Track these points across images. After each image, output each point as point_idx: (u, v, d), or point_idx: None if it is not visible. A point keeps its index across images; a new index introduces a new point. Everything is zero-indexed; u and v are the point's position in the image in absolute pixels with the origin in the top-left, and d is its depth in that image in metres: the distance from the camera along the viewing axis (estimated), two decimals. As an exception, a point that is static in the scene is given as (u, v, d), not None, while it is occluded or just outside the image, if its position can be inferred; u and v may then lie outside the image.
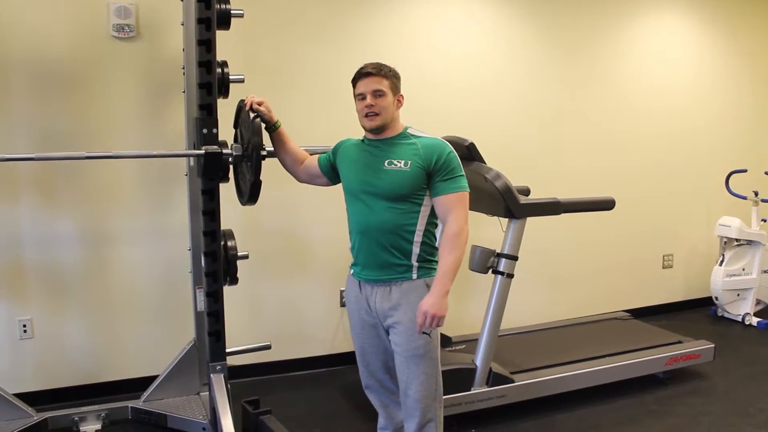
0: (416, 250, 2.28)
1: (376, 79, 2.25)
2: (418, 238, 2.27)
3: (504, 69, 4.37)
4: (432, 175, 2.24)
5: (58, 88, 3.29)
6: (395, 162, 2.25)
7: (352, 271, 2.43)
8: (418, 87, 4.03)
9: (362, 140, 2.40)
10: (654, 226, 5.12)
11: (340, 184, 2.45)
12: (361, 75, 2.28)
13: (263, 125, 2.45)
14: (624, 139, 4.88)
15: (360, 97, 2.29)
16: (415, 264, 2.28)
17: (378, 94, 2.24)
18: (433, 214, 2.30)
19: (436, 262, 2.30)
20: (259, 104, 2.47)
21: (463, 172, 2.28)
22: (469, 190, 2.28)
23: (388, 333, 2.36)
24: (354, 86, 2.31)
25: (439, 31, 4.11)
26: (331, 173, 2.49)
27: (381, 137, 2.31)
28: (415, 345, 2.27)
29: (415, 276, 2.29)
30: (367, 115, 2.26)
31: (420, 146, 2.26)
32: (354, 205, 2.35)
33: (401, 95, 2.35)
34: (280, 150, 2.55)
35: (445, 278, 2.20)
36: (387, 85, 2.26)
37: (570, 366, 3.52)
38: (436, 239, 2.34)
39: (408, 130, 2.34)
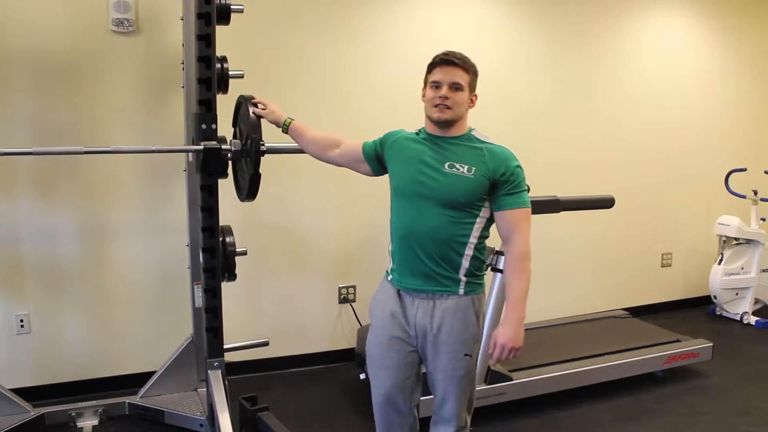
0: (465, 263, 2.08)
1: (458, 71, 2.07)
2: (469, 251, 2.08)
3: (504, 66, 4.35)
4: (496, 186, 2.05)
5: (57, 82, 3.28)
6: (458, 166, 2.05)
7: (390, 277, 2.22)
8: (419, 83, 4.02)
9: (417, 133, 2.21)
10: (653, 225, 5.12)
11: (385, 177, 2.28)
12: (442, 62, 2.08)
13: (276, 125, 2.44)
14: (624, 137, 4.87)
15: (434, 84, 2.09)
16: (463, 278, 2.09)
17: (456, 87, 2.06)
18: (486, 227, 2.12)
19: (482, 279, 2.17)
20: (263, 108, 2.46)
21: (527, 188, 2.13)
22: (530, 207, 2.10)
23: (420, 351, 2.17)
24: (429, 71, 2.13)
25: (440, 27, 4.10)
26: (375, 163, 2.29)
27: (444, 134, 2.11)
28: (455, 366, 2.12)
29: (461, 291, 2.10)
30: (437, 106, 2.07)
31: (487, 153, 2.07)
32: (402, 205, 2.14)
33: (475, 95, 2.17)
34: (300, 143, 2.46)
35: (519, 305, 2.03)
36: (467, 80, 2.09)
37: (568, 364, 3.52)
38: (484, 251, 2.16)
39: (473, 132, 2.15)
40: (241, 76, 2.85)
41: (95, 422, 3.17)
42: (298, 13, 3.74)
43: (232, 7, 2.75)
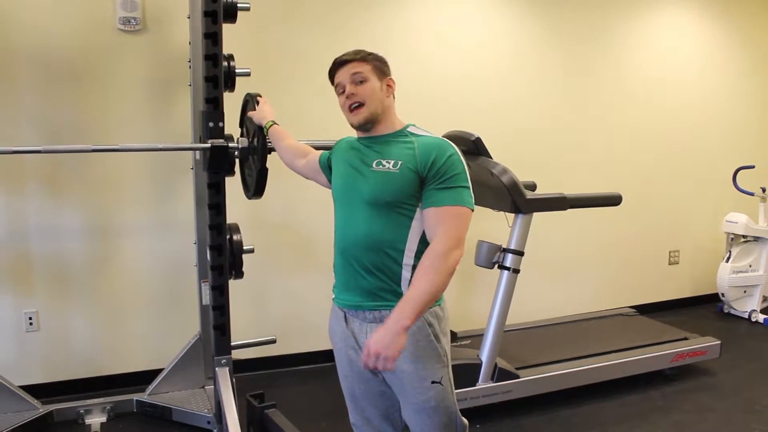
0: (406, 274, 1.82)
1: (353, 65, 1.88)
2: (408, 259, 1.81)
3: (511, 63, 4.34)
4: (425, 180, 1.78)
5: (65, 81, 3.29)
6: (384, 162, 1.83)
7: (333, 296, 2.01)
8: (425, 81, 4.02)
9: (357, 139, 2.01)
10: (660, 222, 5.10)
11: None
12: (335, 65, 1.93)
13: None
14: (631, 135, 4.85)
15: (340, 90, 1.91)
16: (405, 290, 1.81)
17: (358, 79, 1.86)
18: None
19: None
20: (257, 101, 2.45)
21: (469, 183, 1.80)
22: (473, 208, 1.78)
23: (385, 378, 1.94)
24: (332, 82, 1.96)
25: (446, 25, 4.09)
26: (328, 173, 2.12)
27: (374, 134, 1.91)
28: (424, 397, 1.86)
29: None
30: (351, 109, 1.87)
31: (417, 145, 1.82)
32: (337, 214, 1.97)
33: (390, 79, 1.93)
34: (276, 148, 2.36)
35: (406, 308, 1.67)
36: (368, 69, 1.88)
37: (576, 362, 3.51)
38: None
39: (409, 128, 1.91)
40: (248, 74, 2.85)
41: (103, 419, 3.18)
42: (304, 11, 3.74)
43: (238, 5, 2.75)
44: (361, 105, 1.86)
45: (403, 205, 1.80)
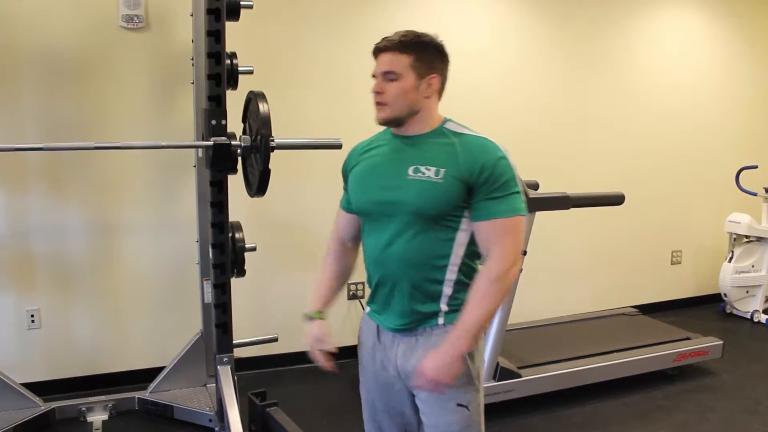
0: (447, 290, 1.66)
1: (390, 56, 1.63)
2: (451, 275, 1.65)
3: (515, 63, 4.34)
4: (474, 189, 1.59)
5: (67, 78, 3.29)
6: (423, 169, 1.61)
7: (367, 309, 1.85)
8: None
9: (383, 133, 1.79)
10: (663, 222, 5.08)
11: None
12: (375, 50, 1.67)
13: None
14: (634, 135, 4.84)
15: (374, 77, 1.69)
16: (444, 309, 1.67)
17: (389, 77, 1.63)
18: (474, 242, 1.66)
19: None
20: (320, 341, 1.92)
21: (520, 188, 1.64)
22: (526, 214, 1.64)
23: (412, 395, 1.78)
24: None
25: (450, 26, 4.08)
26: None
27: (407, 133, 1.68)
28: (448, 420, 1.71)
29: (441, 321, 1.68)
30: (375, 103, 1.67)
31: (459, 148, 1.61)
32: (368, 226, 1.74)
33: (434, 75, 1.67)
34: (337, 293, 1.96)
35: (464, 335, 1.58)
36: (405, 64, 1.62)
37: (578, 361, 3.51)
38: (477, 274, 1.69)
39: (446, 125, 1.69)
40: (251, 72, 2.85)
41: (105, 417, 3.18)
42: (308, 9, 3.73)
43: (241, 3, 2.75)
44: (384, 104, 1.65)
45: (448, 217, 1.62)
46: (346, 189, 1.86)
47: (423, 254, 1.63)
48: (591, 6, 4.55)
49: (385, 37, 1.65)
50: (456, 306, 1.66)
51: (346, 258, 1.92)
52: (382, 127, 1.77)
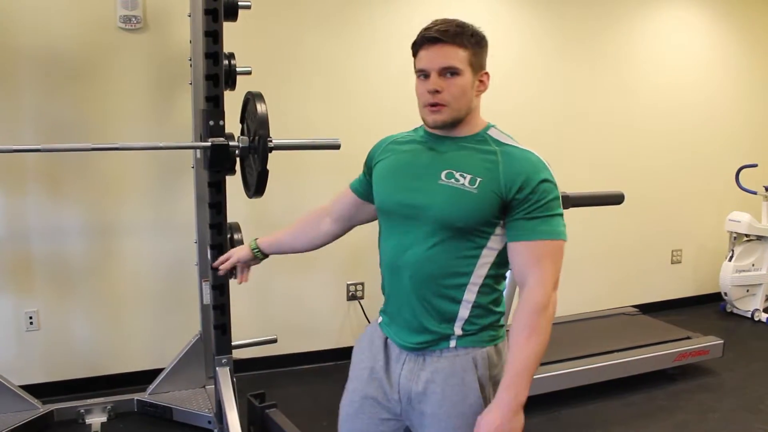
0: (463, 312, 1.50)
1: (449, 49, 1.46)
2: (469, 295, 1.49)
3: (515, 62, 4.33)
4: (511, 206, 1.45)
5: (65, 79, 3.28)
6: (457, 175, 1.47)
7: (380, 319, 1.68)
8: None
9: (415, 130, 1.64)
10: (663, 221, 5.08)
11: None
12: (425, 41, 1.49)
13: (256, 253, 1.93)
14: (634, 134, 4.84)
15: (421, 74, 1.50)
16: (459, 333, 1.51)
17: (450, 72, 1.46)
18: (501, 264, 1.52)
19: (498, 327, 1.56)
20: (227, 262, 1.95)
21: (562, 210, 1.51)
22: (566, 239, 1.52)
23: (406, 421, 1.60)
24: (414, 56, 1.54)
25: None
26: (371, 193, 1.69)
27: (448, 134, 1.54)
28: None
29: (453, 344, 1.51)
30: (430, 105, 1.48)
31: (501, 159, 1.47)
32: (387, 227, 1.61)
33: (486, 73, 1.55)
34: (286, 247, 1.93)
35: (520, 380, 1.41)
36: (464, 59, 1.47)
37: (578, 361, 3.50)
38: (500, 299, 1.57)
39: (489, 131, 1.55)
40: (249, 73, 2.84)
41: (104, 419, 3.17)
42: (307, 10, 3.72)
43: (239, 3, 2.74)
44: (442, 105, 1.47)
45: (477, 231, 1.47)
46: (364, 173, 1.73)
47: (441, 268, 1.48)
48: (591, 6, 4.54)
49: (436, 27, 1.49)
50: (471, 331, 1.50)
51: (318, 226, 1.84)
52: (399, 128, 1.69)
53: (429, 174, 1.50)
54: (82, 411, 3.17)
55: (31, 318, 3.36)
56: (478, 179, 1.45)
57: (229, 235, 2.79)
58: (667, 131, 4.97)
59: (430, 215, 1.47)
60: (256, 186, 2.52)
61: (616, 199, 3.49)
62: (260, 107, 2.44)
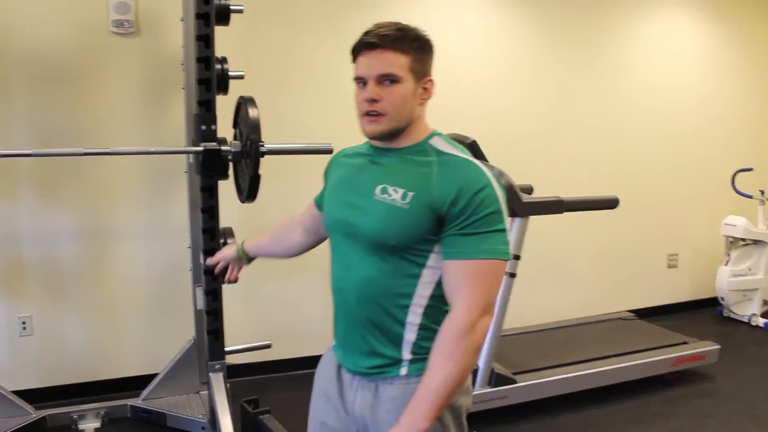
0: (410, 336, 1.41)
1: (388, 55, 1.36)
2: (414, 317, 1.40)
3: (508, 67, 4.32)
4: (446, 220, 1.34)
5: (58, 83, 3.28)
6: (390, 190, 1.38)
7: (334, 342, 1.63)
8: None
9: (365, 143, 1.54)
10: (658, 225, 5.07)
11: None
12: (363, 45, 1.40)
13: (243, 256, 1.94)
14: (629, 138, 4.83)
15: (359, 82, 1.41)
16: (408, 357, 1.42)
17: (389, 79, 1.36)
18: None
19: None
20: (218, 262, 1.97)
21: (506, 224, 1.37)
22: (508, 258, 1.36)
23: None
24: (353, 62, 1.44)
25: (443, 28, 4.07)
26: None
27: (389, 146, 1.44)
28: None
29: (404, 372, 1.42)
30: (368, 114, 1.39)
31: (436, 170, 1.36)
32: (333, 247, 1.54)
33: (430, 80, 1.44)
34: (267, 252, 1.94)
35: (421, 407, 1.30)
36: (405, 65, 1.37)
37: (574, 367, 3.49)
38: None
39: (432, 140, 1.44)
40: (242, 77, 2.84)
41: (97, 424, 3.15)
42: (301, 14, 3.72)
43: (231, 7, 2.74)
44: (380, 115, 1.37)
45: (412, 250, 1.37)
46: (324, 187, 1.67)
47: (382, 289, 1.40)
48: (585, 10, 4.54)
49: (374, 32, 1.39)
50: (422, 355, 1.40)
51: (292, 237, 1.84)
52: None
53: (366, 190, 1.42)
54: (76, 417, 3.15)
55: (24, 323, 3.35)
56: (410, 193, 1.35)
57: (222, 240, 2.79)
58: (662, 135, 4.96)
59: (365, 234, 1.40)
60: (249, 190, 2.52)
61: (611, 204, 3.49)
62: (251, 112, 2.44)
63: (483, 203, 1.32)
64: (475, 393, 3.15)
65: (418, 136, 1.44)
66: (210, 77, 2.58)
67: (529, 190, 3.66)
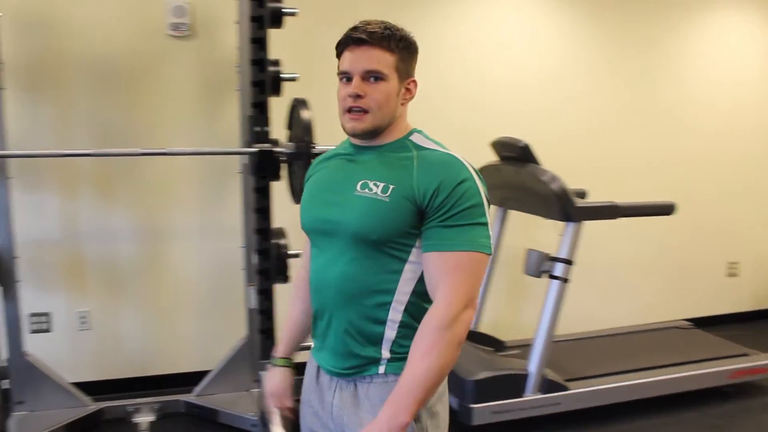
0: (390, 333, 1.39)
1: (374, 52, 1.37)
2: (395, 314, 1.38)
3: (561, 67, 4.24)
4: (426, 213, 1.33)
5: (116, 85, 3.37)
6: (371, 185, 1.37)
7: (312, 344, 1.58)
8: (476, 86, 3.97)
9: (341, 144, 1.55)
10: (717, 232, 4.88)
11: None
12: (350, 41, 1.40)
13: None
14: (685, 139, 4.68)
15: (344, 77, 1.41)
16: (386, 356, 1.40)
17: (374, 76, 1.37)
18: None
19: None
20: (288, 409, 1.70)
21: (487, 218, 1.35)
22: (490, 252, 1.35)
23: None
24: (338, 57, 1.44)
25: (498, 29, 4.03)
26: None
27: (368, 143, 1.44)
28: None
29: (382, 370, 1.41)
30: (350, 110, 1.38)
31: (416, 163, 1.37)
32: (313, 247, 1.51)
33: (413, 80, 1.45)
34: (304, 339, 1.68)
35: (403, 401, 1.29)
36: (391, 64, 1.38)
37: (627, 375, 3.40)
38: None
39: (412, 136, 1.45)
40: (295, 79, 2.86)
41: (151, 418, 3.21)
42: (354, 16, 3.68)
43: (285, 10, 2.77)
44: (364, 112, 1.37)
45: (393, 244, 1.36)
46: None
47: (361, 286, 1.38)
48: (644, 7, 4.42)
49: (362, 28, 1.40)
50: (401, 354, 1.38)
51: (307, 301, 1.61)
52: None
53: (346, 186, 1.41)
54: (131, 410, 3.22)
55: (83, 318, 3.45)
56: (391, 186, 1.35)
57: (274, 240, 2.82)
58: (722, 135, 4.78)
59: (346, 229, 1.38)
60: (301, 191, 2.54)
61: (667, 210, 3.40)
62: (305, 113, 2.46)
63: (464, 196, 1.32)
64: (526, 399, 3.12)
65: (399, 134, 1.44)
66: (264, 79, 2.61)
67: (582, 194, 3.60)
